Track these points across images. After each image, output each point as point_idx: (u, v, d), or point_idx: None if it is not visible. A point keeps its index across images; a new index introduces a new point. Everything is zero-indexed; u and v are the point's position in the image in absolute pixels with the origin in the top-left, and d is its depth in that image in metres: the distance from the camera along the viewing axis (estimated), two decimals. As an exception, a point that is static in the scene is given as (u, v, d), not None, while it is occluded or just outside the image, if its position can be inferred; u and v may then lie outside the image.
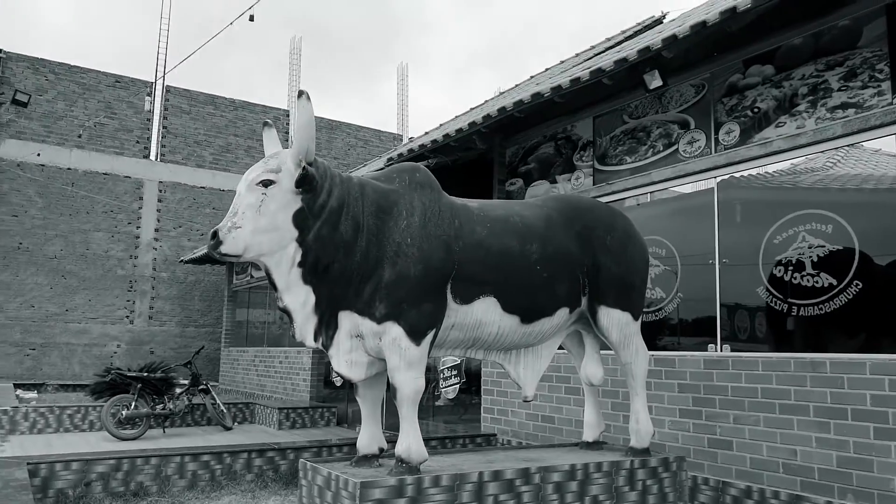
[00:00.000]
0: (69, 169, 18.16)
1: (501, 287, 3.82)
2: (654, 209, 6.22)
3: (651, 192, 6.08)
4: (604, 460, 4.07)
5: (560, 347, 4.53)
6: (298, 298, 3.49)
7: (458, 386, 8.38)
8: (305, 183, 3.34)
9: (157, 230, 19.12)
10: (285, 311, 3.52)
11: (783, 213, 4.99)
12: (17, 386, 15.64)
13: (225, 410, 10.82)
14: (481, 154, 7.73)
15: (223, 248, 3.27)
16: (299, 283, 3.47)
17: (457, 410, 8.77)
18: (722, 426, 5.04)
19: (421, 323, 3.55)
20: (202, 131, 20.27)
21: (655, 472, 4.19)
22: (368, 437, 3.85)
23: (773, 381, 4.75)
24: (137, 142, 19.21)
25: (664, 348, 5.72)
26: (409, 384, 3.53)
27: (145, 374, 10.27)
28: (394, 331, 3.51)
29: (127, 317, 18.64)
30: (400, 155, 7.72)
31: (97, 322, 18.30)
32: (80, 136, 18.45)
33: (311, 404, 11.33)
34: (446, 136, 6.94)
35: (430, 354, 3.76)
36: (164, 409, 10.05)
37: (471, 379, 8.34)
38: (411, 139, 20.81)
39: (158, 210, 19.18)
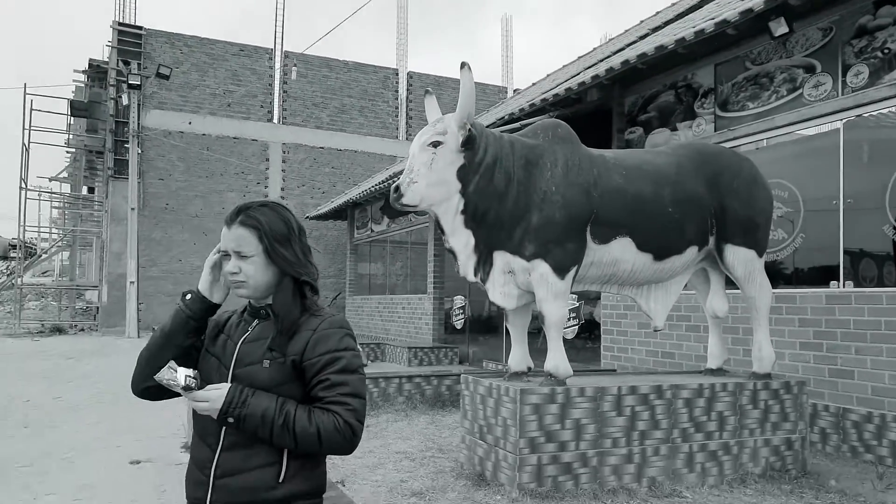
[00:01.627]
0: (204, 135, 19.82)
1: (636, 228, 4.30)
2: (776, 153, 6.40)
3: (774, 137, 6.27)
4: (729, 381, 4.54)
5: (686, 287, 4.97)
6: (461, 241, 4.14)
7: (575, 328, 8.94)
8: (469, 143, 3.95)
9: (282, 189, 20.59)
10: (451, 252, 4.19)
11: (910, 153, 5.13)
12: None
13: (360, 349, 11.93)
14: (599, 104, 8.07)
15: (404, 200, 3.95)
16: (462, 228, 4.12)
17: (571, 352, 9.35)
18: (843, 357, 5.33)
19: (565, 260, 4.12)
20: (319, 94, 21.41)
21: (777, 393, 4.61)
22: (519, 357, 4.51)
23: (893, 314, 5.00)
24: (261, 106, 20.60)
25: (786, 286, 6.01)
26: (556, 313, 4.13)
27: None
28: (541, 267, 4.10)
29: (261, 269, 20.34)
30: (521, 109, 8.20)
31: (235, 274, 20.08)
32: (211, 105, 20.00)
33: (436, 345, 12.25)
34: (568, 89, 7.34)
35: (572, 290, 4.33)
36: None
37: (586, 323, 8.88)
38: (517, 91, 21.06)
39: (283, 170, 20.61)
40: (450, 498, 4.04)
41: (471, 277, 4.21)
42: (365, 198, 13.16)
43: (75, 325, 20.80)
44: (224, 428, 1.66)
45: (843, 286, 5.51)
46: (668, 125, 7.36)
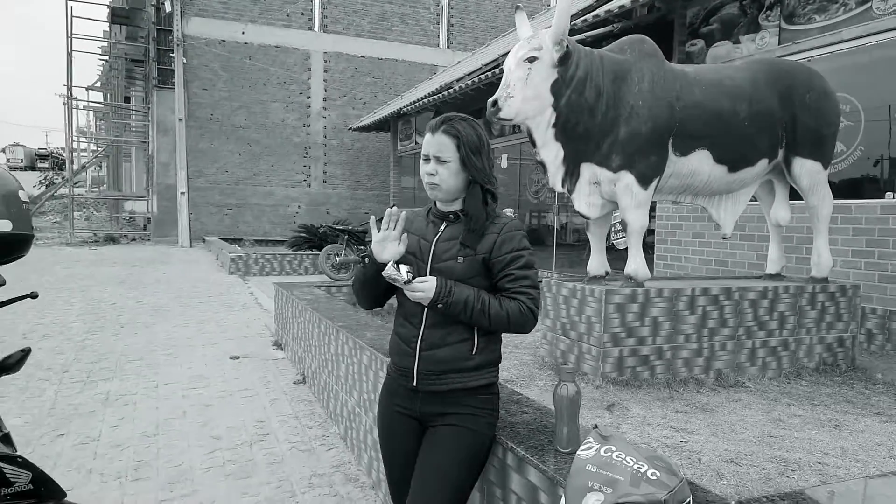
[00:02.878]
0: (245, 44, 19.83)
1: (714, 141, 4.59)
2: (838, 63, 6.50)
3: (841, 51, 6.37)
4: (791, 284, 4.94)
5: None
6: (551, 153, 4.48)
7: (624, 239, 9.31)
8: (565, 59, 4.22)
9: (324, 100, 20.72)
10: (541, 164, 4.54)
11: (980, 68, 5.27)
12: (222, 240, 18.36)
13: (413, 258, 12.49)
14: (661, 16, 8.11)
15: (501, 114, 4.27)
16: (552, 140, 4.44)
17: (621, 262, 9.80)
18: (893, 264, 5.68)
19: (648, 171, 4.46)
20: (359, 0, 21.09)
21: (833, 296, 5.01)
22: (598, 263, 4.93)
23: (951, 223, 5.29)
24: (302, 14, 20.42)
25: (842, 197, 6.28)
26: (638, 220, 4.52)
27: (350, 227, 11.96)
28: (626, 178, 4.45)
29: (304, 181, 20.80)
30: (584, 21, 8.27)
31: (280, 185, 20.59)
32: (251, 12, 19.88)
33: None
34: (634, 0, 7.40)
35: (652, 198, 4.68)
36: (367, 256, 11.75)
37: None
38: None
39: (325, 80, 20.66)
40: (539, 385, 4.58)
41: (559, 188, 4.58)
42: (416, 110, 13.35)
43: (126, 236, 21.66)
44: (426, 310, 2.11)
45: (900, 197, 5.79)
46: (730, 38, 7.44)
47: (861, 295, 5.33)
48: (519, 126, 4.49)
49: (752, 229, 6.98)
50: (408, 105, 13.91)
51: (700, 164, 4.63)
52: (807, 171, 4.92)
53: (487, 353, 2.14)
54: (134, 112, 25.52)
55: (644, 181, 4.45)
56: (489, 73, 10.56)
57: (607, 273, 4.97)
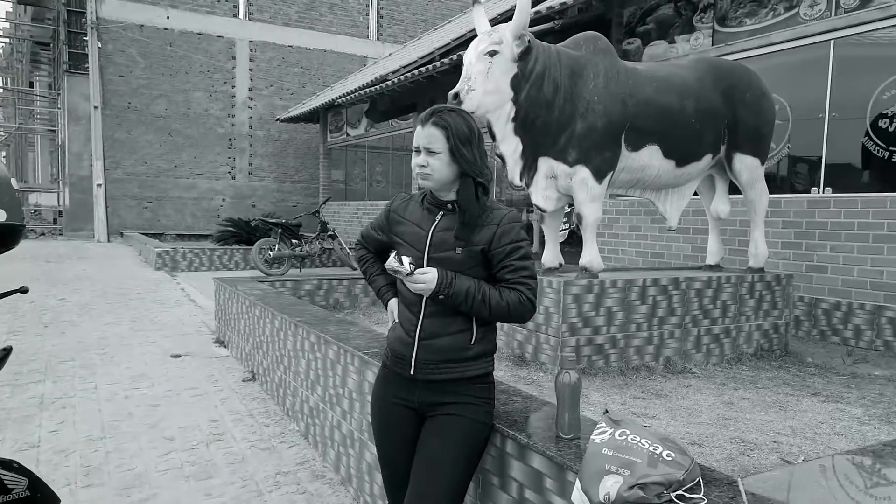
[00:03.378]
0: (166, 29, 19.02)
1: (663, 137, 4.76)
2: (768, 65, 6.86)
3: (771, 54, 6.72)
4: (732, 275, 5.19)
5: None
6: (510, 147, 4.53)
7: (566, 231, 9.55)
8: (526, 54, 4.27)
9: (250, 89, 20.14)
10: (500, 157, 4.58)
11: (894, 72, 5.68)
12: (142, 235, 17.60)
13: (350, 253, 12.34)
14: (599, 14, 8.32)
15: (463, 106, 4.26)
16: (511, 134, 4.49)
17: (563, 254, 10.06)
18: (819, 254, 6.07)
19: (603, 166, 4.58)
20: (285, -11, 20.59)
21: (770, 285, 5.30)
22: (552, 255, 5.02)
23: (869, 216, 5.70)
24: (227, 0, 19.75)
25: (772, 191, 6.64)
26: (593, 214, 4.63)
27: (283, 220, 11.68)
28: (582, 172, 4.55)
29: (229, 172, 20.18)
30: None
31: (203, 178, 19.90)
32: (172, -3, 19.08)
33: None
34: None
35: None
36: (301, 251, 11.48)
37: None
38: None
39: (251, 69, 20.08)
40: (497, 375, 4.62)
41: (517, 182, 4.63)
42: (350, 101, 13.17)
43: (34, 230, 20.41)
44: (425, 299, 2.11)
45: (823, 192, 6.18)
46: (666, 38, 7.72)
47: (793, 284, 5.66)
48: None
49: (687, 223, 7.28)
50: (342, 96, 13.71)
51: (650, 158, 4.79)
52: (746, 166, 5.17)
53: (486, 343, 2.16)
54: (39, 98, 24.02)
55: (599, 175, 4.57)
56: (429, 67, 10.54)
57: (561, 265, 5.08)
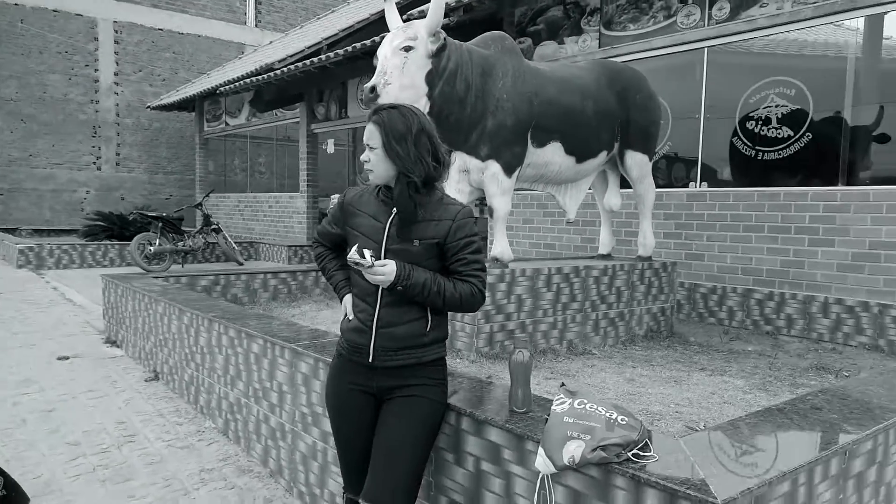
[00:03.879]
0: (16, 5, 17.41)
1: (565, 134, 5.05)
2: (650, 67, 7.39)
3: (652, 57, 7.26)
4: (625, 263, 5.60)
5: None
6: (424, 140, 4.63)
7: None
8: (441, 51, 4.38)
9: (116, 74, 18.86)
10: (415, 150, 4.68)
11: (759, 78, 6.35)
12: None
13: (236, 247, 11.95)
14: (491, 13, 8.59)
15: (380, 100, 4.31)
16: (426, 128, 4.60)
17: None
18: (696, 244, 6.66)
19: (512, 161, 4.79)
20: (154, -32, 19.44)
21: (658, 272, 5.77)
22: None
23: (740, 208, 6.33)
24: (87, -22, 18.36)
25: (655, 186, 7.19)
26: (503, 206, 4.84)
27: (164, 214, 11.12)
28: (493, 167, 4.74)
29: (94, 163, 18.81)
30: (421, 12, 8.49)
31: (63, 168, 18.43)
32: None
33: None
34: (469, -2, 7.77)
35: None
36: (184, 245, 11.00)
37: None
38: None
39: (116, 53, 18.80)
40: (413, 362, 4.73)
41: (431, 174, 4.75)
42: (234, 90, 12.70)
43: None
44: (381, 290, 2.19)
45: (700, 186, 6.79)
46: (555, 38, 8.11)
47: (677, 271, 6.19)
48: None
49: (577, 215, 7.70)
50: (223, 84, 13.18)
51: (553, 154, 5.07)
52: (636, 162, 5.59)
53: (439, 331, 2.28)
54: None
55: (509, 170, 4.78)
56: (321, 57, 10.40)
57: (470, 255, 5.25)
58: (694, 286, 6.65)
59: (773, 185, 6.22)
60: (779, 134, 6.21)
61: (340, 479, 2.76)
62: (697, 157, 6.83)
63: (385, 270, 2.08)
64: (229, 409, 4.01)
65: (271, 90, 12.37)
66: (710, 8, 6.65)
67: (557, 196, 5.52)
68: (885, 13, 5.63)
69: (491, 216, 4.91)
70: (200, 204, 11.99)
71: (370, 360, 2.21)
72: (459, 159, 4.77)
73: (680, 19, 6.91)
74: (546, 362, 4.80)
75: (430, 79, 4.46)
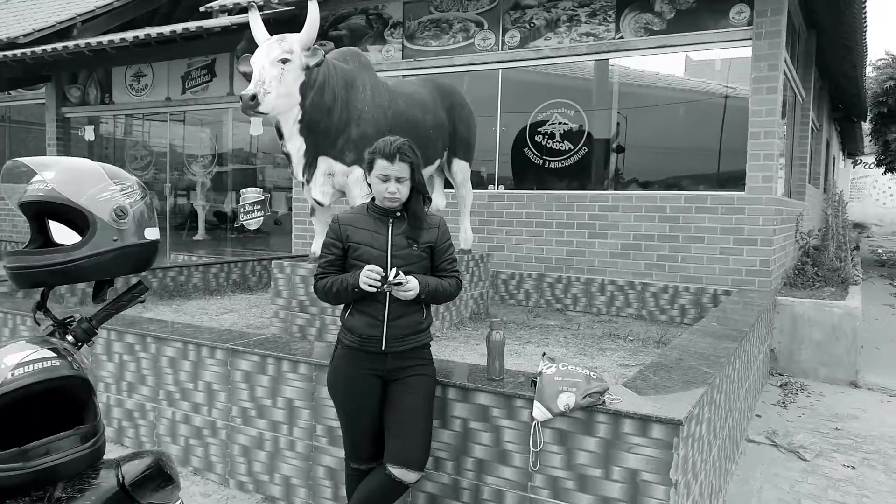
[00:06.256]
0: None
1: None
2: (453, 82, 8.31)
3: (452, 73, 8.17)
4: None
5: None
6: (295, 146, 4.92)
7: (261, 218, 9.88)
8: (319, 65, 4.70)
9: None
10: (286, 155, 4.93)
11: (545, 99, 7.62)
12: None
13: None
14: (293, 14, 8.80)
15: (261, 108, 4.50)
16: (297, 135, 4.89)
17: (258, 241, 10.34)
18: (497, 237, 7.76)
19: (372, 166, 5.29)
20: None
21: (478, 262, 6.69)
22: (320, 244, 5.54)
23: (532, 207, 7.55)
24: None
25: (455, 187, 8.14)
26: (364, 206, 5.32)
27: None
28: (357, 171, 5.18)
29: None
30: (222, 7, 8.38)
31: None
32: None
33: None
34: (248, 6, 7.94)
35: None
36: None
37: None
38: None
39: None
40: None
41: (300, 178, 5.05)
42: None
43: None
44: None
45: (498, 189, 7.90)
46: (358, 44, 8.63)
47: (491, 261, 7.19)
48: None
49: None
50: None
51: (402, 160, 5.66)
52: (460, 168, 6.42)
53: (429, 319, 2.83)
54: None
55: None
56: (94, 42, 9.55)
57: (326, 253, 5.62)
58: (497, 273, 7.74)
59: (558, 188, 7.54)
60: (562, 147, 7.55)
61: (294, 463, 3.15)
62: (495, 164, 7.93)
63: (411, 286, 2.56)
64: (126, 417, 3.95)
65: (13, 69, 10.93)
66: (503, 35, 7.76)
67: (398, 197, 6.12)
68: (640, 56, 7.23)
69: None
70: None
71: (382, 347, 2.66)
72: (325, 163, 5.13)
73: (477, 42, 7.92)
74: (405, 347, 5.40)
75: (304, 89, 4.78)
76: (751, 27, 6.48)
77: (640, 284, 6.97)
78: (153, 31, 8.88)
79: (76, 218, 1.59)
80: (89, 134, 11.96)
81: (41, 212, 1.63)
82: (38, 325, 1.66)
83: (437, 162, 6.15)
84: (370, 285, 2.52)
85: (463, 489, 2.88)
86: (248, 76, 4.75)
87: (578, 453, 2.61)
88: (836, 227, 8.29)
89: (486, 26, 7.88)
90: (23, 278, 1.58)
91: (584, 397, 2.57)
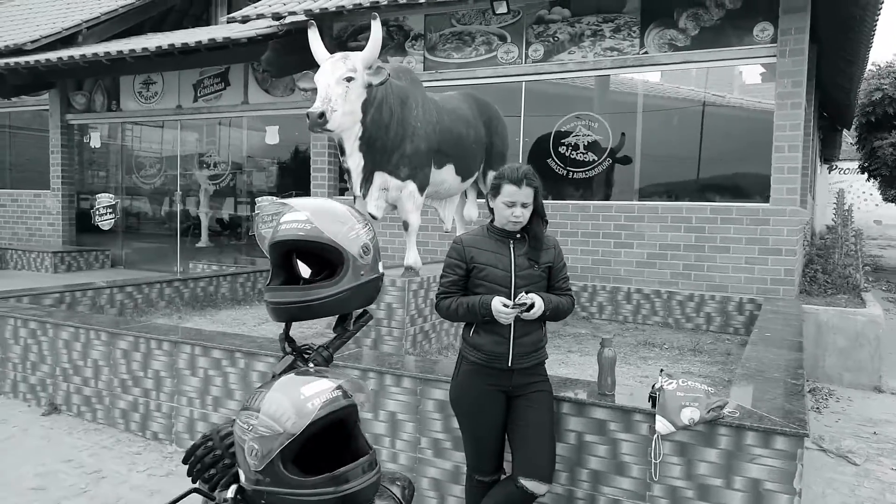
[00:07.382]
0: None
1: (457, 158, 5.78)
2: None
3: (474, 85, 8.30)
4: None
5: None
6: (355, 162, 5.01)
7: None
8: (383, 84, 4.80)
9: None
10: (347, 170, 5.02)
11: (569, 111, 7.79)
12: None
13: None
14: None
15: (328, 126, 4.59)
16: (357, 151, 4.98)
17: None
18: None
19: (424, 181, 5.40)
20: None
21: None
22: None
23: (557, 217, 7.71)
24: None
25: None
26: (417, 221, 5.42)
27: None
28: (410, 186, 5.29)
29: None
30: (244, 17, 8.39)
31: None
32: None
33: (83, 248, 11.30)
34: (274, 17, 7.99)
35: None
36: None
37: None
38: None
39: None
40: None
41: (358, 192, 5.14)
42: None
43: None
44: None
45: (521, 199, 8.04)
46: (379, 56, 8.69)
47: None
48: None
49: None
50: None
51: (447, 175, 5.78)
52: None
53: (546, 337, 2.95)
54: None
55: (422, 189, 5.38)
56: (102, 52, 9.48)
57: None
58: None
59: (583, 199, 7.72)
60: (585, 158, 7.73)
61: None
62: (519, 174, 8.07)
63: (538, 308, 2.68)
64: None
65: (22, 76, 10.78)
66: (527, 49, 7.93)
67: (439, 209, 6.25)
68: (660, 72, 7.44)
69: (406, 230, 5.46)
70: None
71: (509, 364, 2.78)
72: (380, 178, 5.22)
73: (500, 55, 8.07)
74: (451, 354, 5.52)
75: (366, 107, 4.88)
76: (774, 45, 6.74)
77: (666, 293, 7.17)
78: (177, 40, 8.85)
79: (327, 255, 1.68)
80: (95, 141, 11.83)
81: (291, 249, 1.72)
82: (284, 353, 1.75)
83: (477, 173, 6.28)
84: (505, 317, 2.64)
85: (577, 499, 3.01)
86: (307, 92, 4.82)
87: (699, 464, 2.76)
88: (846, 235, 8.61)
89: (509, 39, 8.03)
90: (285, 312, 1.67)
91: (707, 411, 2.72)
